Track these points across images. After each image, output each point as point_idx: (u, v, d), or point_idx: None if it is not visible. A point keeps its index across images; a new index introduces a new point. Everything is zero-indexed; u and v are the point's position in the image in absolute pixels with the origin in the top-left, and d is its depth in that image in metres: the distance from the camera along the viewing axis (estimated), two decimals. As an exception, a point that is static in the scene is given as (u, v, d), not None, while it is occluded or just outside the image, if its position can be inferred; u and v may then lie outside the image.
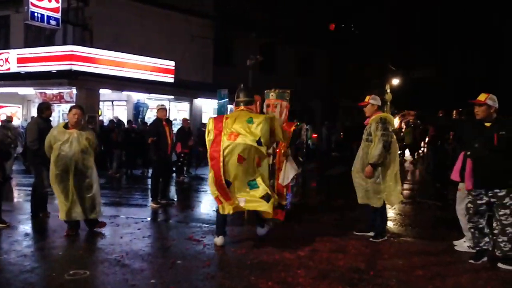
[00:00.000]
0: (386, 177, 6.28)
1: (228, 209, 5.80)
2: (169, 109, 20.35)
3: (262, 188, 5.73)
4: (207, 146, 5.83)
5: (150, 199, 9.20)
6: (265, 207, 5.71)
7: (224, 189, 5.72)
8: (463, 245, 5.96)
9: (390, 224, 7.68)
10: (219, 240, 5.97)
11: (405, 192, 11.81)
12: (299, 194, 8.81)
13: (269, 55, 23.97)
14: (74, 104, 7.04)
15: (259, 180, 5.73)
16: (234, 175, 5.67)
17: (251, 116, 5.84)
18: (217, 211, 6.09)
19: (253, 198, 5.73)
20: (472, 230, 5.44)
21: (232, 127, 5.72)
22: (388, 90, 34.58)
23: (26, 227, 7.09)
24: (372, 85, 35.18)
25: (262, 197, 5.71)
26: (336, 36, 22.53)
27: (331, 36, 21.85)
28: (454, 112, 15.30)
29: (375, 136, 6.18)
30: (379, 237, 6.40)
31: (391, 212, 8.68)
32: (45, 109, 7.73)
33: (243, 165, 5.64)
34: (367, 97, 6.53)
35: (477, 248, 5.44)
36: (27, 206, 7.90)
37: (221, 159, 5.63)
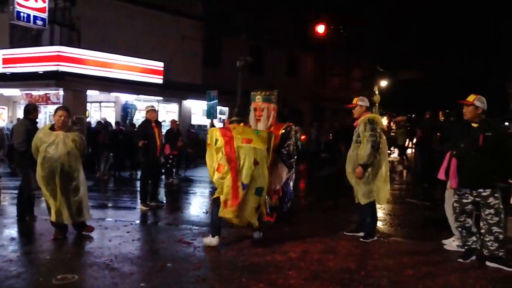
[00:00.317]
0: (376, 177, 6.33)
1: (227, 214, 5.88)
2: (157, 111, 20.24)
3: (261, 199, 6.00)
4: (213, 153, 5.94)
5: (139, 201, 9.09)
6: (253, 218, 5.99)
7: (237, 192, 5.80)
8: (452, 244, 6.01)
9: (379, 224, 7.69)
10: (214, 240, 5.95)
11: (394, 192, 11.86)
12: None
13: (258, 57, 23.97)
14: (59, 106, 6.94)
15: (264, 190, 6.00)
16: (250, 177, 5.82)
17: (256, 129, 6.42)
18: (212, 212, 6.14)
19: (251, 207, 5.91)
20: (460, 229, 5.51)
21: (243, 134, 5.98)
22: (377, 92, 34.76)
23: (12, 231, 6.98)
24: (360, 86, 35.41)
25: (257, 208, 5.96)
26: (324, 37, 22.58)
27: (319, 37, 21.90)
28: (440, 113, 15.41)
29: (363, 137, 6.24)
30: (369, 237, 6.41)
31: (380, 213, 8.68)
32: (32, 110, 7.63)
33: (257, 168, 5.85)
34: (355, 99, 6.60)
35: (466, 247, 5.50)
36: (13, 210, 7.78)
37: (239, 162, 5.79)
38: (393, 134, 20.31)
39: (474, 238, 5.44)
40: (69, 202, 6.29)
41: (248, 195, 5.85)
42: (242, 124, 6.25)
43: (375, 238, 6.48)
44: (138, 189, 9.42)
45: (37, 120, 7.91)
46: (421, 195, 10.61)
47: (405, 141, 19.97)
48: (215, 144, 5.93)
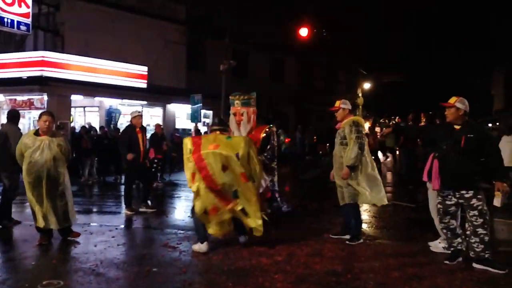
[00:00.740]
0: (364, 178, 6.41)
1: (214, 230, 5.90)
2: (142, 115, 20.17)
3: (241, 201, 5.80)
4: (186, 161, 5.86)
5: (123, 206, 9.02)
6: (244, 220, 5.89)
7: (222, 194, 5.76)
8: (438, 246, 6.05)
9: (365, 226, 7.75)
10: (204, 246, 5.90)
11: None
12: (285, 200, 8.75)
13: (242, 60, 24.02)
14: (44, 111, 6.88)
15: (240, 192, 5.78)
16: (222, 183, 5.72)
17: (229, 136, 6.15)
18: (194, 220, 6.11)
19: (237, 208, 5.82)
20: (445, 230, 5.55)
21: (212, 141, 5.86)
22: (360, 94, 35.07)
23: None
24: (344, 89, 35.66)
25: (242, 210, 5.83)
26: (307, 41, 22.70)
27: (302, 41, 22.00)
28: (422, 114, 15.56)
29: (350, 139, 6.30)
30: (355, 240, 6.45)
31: (365, 215, 8.76)
32: (19, 116, 7.77)
33: (226, 173, 5.69)
34: (338, 102, 6.66)
35: (451, 249, 5.54)
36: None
37: (209, 167, 5.67)
38: (381, 137, 20.36)
39: (459, 239, 5.48)
40: (56, 207, 6.25)
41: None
42: (218, 132, 6.09)
43: (361, 240, 6.52)
44: (123, 193, 9.34)
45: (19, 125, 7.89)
46: (406, 197, 10.70)
47: (394, 143, 19.93)
48: (186, 153, 5.90)
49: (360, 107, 34.25)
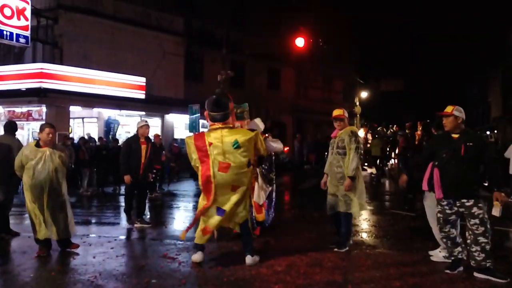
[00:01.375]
0: (357, 187, 6.44)
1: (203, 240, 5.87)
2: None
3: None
4: (193, 165, 5.82)
5: (123, 218, 8.88)
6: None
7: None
8: (438, 255, 6.03)
9: (365, 236, 7.74)
10: (197, 256, 5.82)
11: (378, 203, 11.95)
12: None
13: (239, 71, 24.12)
14: (46, 123, 6.85)
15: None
16: (226, 201, 5.71)
17: (236, 138, 5.69)
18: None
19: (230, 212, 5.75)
20: (445, 240, 5.52)
21: (219, 155, 5.65)
22: (357, 103, 35.11)
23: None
24: (342, 98, 35.73)
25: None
26: (304, 50, 22.79)
27: (299, 51, 22.08)
28: (418, 123, 15.59)
29: (349, 149, 6.32)
30: (342, 247, 6.46)
31: (365, 224, 8.74)
32: (16, 127, 7.74)
33: (236, 193, 5.70)
34: (341, 111, 6.63)
35: (452, 258, 5.51)
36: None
37: (213, 186, 5.64)
38: (368, 145, 20.30)
39: (459, 248, 5.45)
40: (57, 218, 6.24)
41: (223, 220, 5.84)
42: (221, 124, 5.78)
43: (348, 248, 6.51)
44: (122, 204, 9.30)
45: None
46: (406, 206, 10.67)
47: (380, 152, 19.77)
48: (192, 161, 5.83)
49: (358, 116, 34.27)
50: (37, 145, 6.32)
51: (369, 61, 37.21)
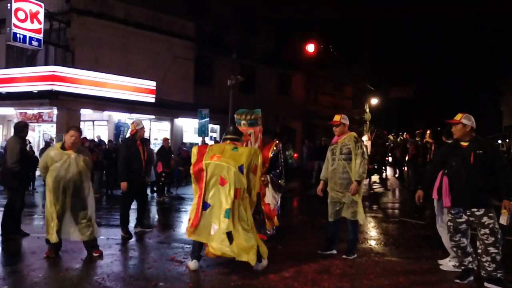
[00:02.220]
0: (360, 194, 6.48)
1: (188, 234, 5.77)
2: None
3: (230, 223, 5.45)
4: (191, 172, 5.81)
5: (123, 230, 8.04)
6: (226, 249, 5.44)
7: (199, 212, 5.63)
8: (448, 264, 5.97)
9: (373, 243, 7.69)
10: (192, 264, 5.77)
11: (388, 211, 11.88)
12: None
13: (249, 76, 24.15)
14: (72, 126, 6.81)
15: (232, 212, 5.49)
16: (215, 197, 5.58)
17: (237, 146, 5.90)
18: None
19: (221, 231, 5.47)
20: (455, 249, 5.46)
21: (216, 151, 5.77)
22: (367, 110, 35.03)
23: (3, 249, 6.90)
24: (352, 104, 35.67)
25: (227, 234, 5.44)
26: (314, 56, 22.80)
27: (309, 57, 22.09)
28: (429, 131, 15.49)
29: (356, 154, 6.33)
30: (351, 254, 6.45)
31: (374, 232, 8.69)
32: (23, 128, 7.62)
33: (224, 187, 5.54)
34: (338, 116, 6.64)
35: (462, 267, 5.45)
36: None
37: (205, 179, 5.60)
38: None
39: (470, 258, 5.38)
40: (79, 221, 6.24)
41: (213, 217, 5.55)
42: (229, 141, 5.98)
43: (356, 255, 6.49)
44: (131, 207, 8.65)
45: (26, 137, 7.88)
46: (415, 214, 10.59)
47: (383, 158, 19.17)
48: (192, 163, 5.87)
49: (368, 122, 34.18)
50: (63, 147, 6.34)
51: (379, 67, 37.12)
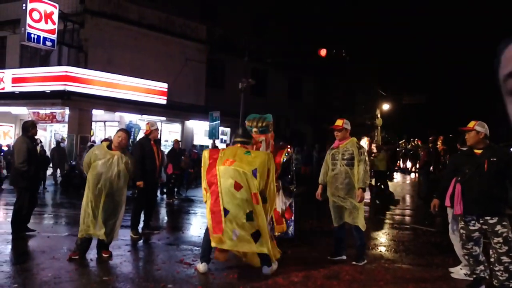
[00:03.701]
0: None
1: (214, 242, 5.58)
2: (161, 130, 20.37)
3: (256, 224, 5.48)
4: (202, 175, 5.76)
5: (133, 231, 8.00)
6: (253, 247, 5.48)
7: (219, 217, 5.49)
8: (459, 272, 5.91)
9: (384, 250, 7.63)
10: (202, 267, 5.71)
11: (398, 217, 11.80)
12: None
13: (260, 79, 24.18)
14: (121, 128, 6.82)
15: (255, 214, 5.49)
16: (232, 203, 5.50)
17: (249, 150, 5.84)
18: (205, 235, 5.86)
19: (245, 234, 5.45)
20: (467, 257, 5.38)
21: (229, 155, 5.69)
22: (379, 115, 34.85)
23: (14, 248, 6.93)
24: (363, 109, 35.51)
25: (252, 234, 5.46)
26: (326, 61, 22.76)
27: (321, 61, 22.07)
28: (441, 138, 15.34)
29: (360, 161, 6.30)
30: (361, 260, 6.40)
31: (384, 238, 8.63)
32: (30, 127, 7.61)
33: (240, 192, 5.48)
34: (340, 121, 6.55)
35: (474, 276, 5.37)
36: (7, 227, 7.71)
37: (219, 184, 5.53)
38: (372, 157, 18.52)
39: (482, 266, 5.29)
40: (108, 222, 6.23)
41: (234, 222, 5.46)
42: (239, 145, 5.90)
43: (366, 261, 6.44)
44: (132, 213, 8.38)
45: (35, 137, 7.91)
46: (426, 221, 10.50)
47: (386, 166, 17.77)
48: (204, 166, 5.77)
49: (379, 128, 34.02)
50: (109, 147, 6.37)
51: (391, 73, 36.90)
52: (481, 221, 5.15)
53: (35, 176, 7.67)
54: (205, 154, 5.86)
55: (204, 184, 5.71)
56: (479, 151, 5.27)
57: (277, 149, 6.93)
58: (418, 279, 5.77)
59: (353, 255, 6.59)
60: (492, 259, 5.17)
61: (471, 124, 5.36)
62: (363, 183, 6.27)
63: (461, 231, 5.38)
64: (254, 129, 6.75)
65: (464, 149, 5.81)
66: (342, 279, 5.68)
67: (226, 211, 5.48)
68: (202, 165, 5.80)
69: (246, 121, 6.94)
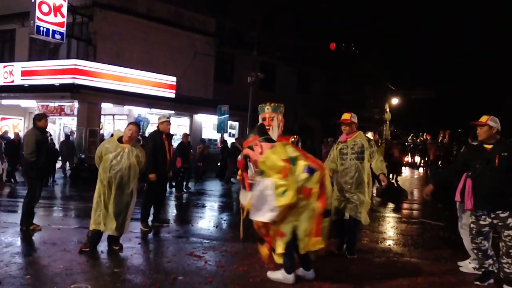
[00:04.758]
0: (369, 194, 6.45)
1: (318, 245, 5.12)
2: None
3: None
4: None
5: (142, 224, 8.08)
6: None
7: (321, 219, 5.07)
8: (468, 266, 5.92)
9: (392, 243, 7.64)
10: (291, 277, 5.16)
11: (407, 212, 11.79)
12: None
13: (269, 73, 24.14)
14: (132, 121, 6.86)
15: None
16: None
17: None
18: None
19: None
20: (476, 251, 5.39)
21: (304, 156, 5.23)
22: (387, 110, 34.74)
23: (25, 240, 7.01)
24: (372, 104, 35.41)
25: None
26: (335, 55, 22.71)
27: (330, 55, 22.02)
28: (447, 133, 15.28)
29: (373, 152, 6.33)
30: (352, 254, 6.40)
31: (392, 232, 8.63)
32: (40, 118, 7.68)
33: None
34: (348, 115, 6.50)
35: (482, 270, 5.39)
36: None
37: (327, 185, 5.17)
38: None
39: (490, 260, 5.31)
40: (119, 215, 6.27)
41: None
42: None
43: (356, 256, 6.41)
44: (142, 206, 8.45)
45: (46, 129, 7.97)
46: (434, 215, 10.49)
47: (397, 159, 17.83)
48: (294, 164, 5.00)
49: (388, 122, 33.91)
50: (120, 140, 6.41)
51: (401, 67, 36.73)
52: (492, 216, 5.16)
53: (45, 167, 7.72)
54: (284, 145, 5.25)
55: (302, 183, 4.97)
56: (490, 146, 5.26)
57: (282, 137, 6.94)
58: (427, 273, 5.79)
59: (360, 250, 6.62)
60: (500, 252, 5.17)
61: (484, 118, 5.34)
62: (382, 170, 6.32)
63: (471, 225, 5.38)
64: (267, 107, 6.77)
65: (475, 143, 5.79)
66: (351, 272, 5.71)
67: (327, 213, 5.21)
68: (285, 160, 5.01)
69: (260, 105, 6.98)
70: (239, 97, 20.18)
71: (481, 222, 5.25)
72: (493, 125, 5.27)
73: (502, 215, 5.11)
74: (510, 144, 5.40)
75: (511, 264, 5.06)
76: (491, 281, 5.31)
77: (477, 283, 5.32)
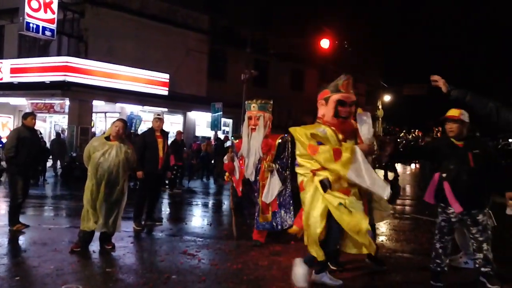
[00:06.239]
0: None
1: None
2: (163, 120, 20.35)
3: None
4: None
5: (135, 223, 8.01)
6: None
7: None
8: (458, 260, 5.90)
9: (385, 239, 7.64)
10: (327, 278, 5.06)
11: (399, 208, 11.80)
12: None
13: (263, 70, 24.09)
14: (118, 118, 6.83)
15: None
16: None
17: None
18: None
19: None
20: (441, 250, 5.10)
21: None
22: (380, 106, 34.83)
23: (15, 239, 6.93)
24: (365, 101, 35.45)
25: None
26: (328, 52, 22.66)
27: (323, 52, 21.97)
28: (433, 128, 15.24)
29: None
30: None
31: (384, 228, 8.63)
32: (26, 117, 7.64)
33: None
34: (457, 111, 6.33)
35: (438, 269, 5.11)
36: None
37: None
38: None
39: (447, 260, 5.13)
40: (109, 213, 6.22)
41: None
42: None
43: None
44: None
45: (35, 128, 7.89)
46: (427, 211, 10.50)
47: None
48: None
49: (380, 119, 34.00)
50: (107, 138, 6.35)
51: (393, 64, 36.85)
52: (464, 213, 4.95)
53: (29, 164, 7.61)
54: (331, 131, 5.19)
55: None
56: (461, 143, 4.98)
57: (270, 135, 6.86)
58: (420, 268, 5.78)
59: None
60: (471, 249, 5.09)
61: (456, 112, 4.98)
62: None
63: (443, 223, 5.09)
64: (253, 105, 6.71)
65: (443, 137, 5.48)
66: (345, 268, 5.68)
67: None
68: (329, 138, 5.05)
69: (246, 101, 6.90)
70: (233, 94, 20.13)
71: (453, 219, 5.03)
72: (466, 120, 4.98)
73: (473, 212, 4.93)
74: (479, 140, 5.26)
75: (482, 259, 4.90)
76: (441, 285, 5.09)
77: (432, 282, 5.11)
